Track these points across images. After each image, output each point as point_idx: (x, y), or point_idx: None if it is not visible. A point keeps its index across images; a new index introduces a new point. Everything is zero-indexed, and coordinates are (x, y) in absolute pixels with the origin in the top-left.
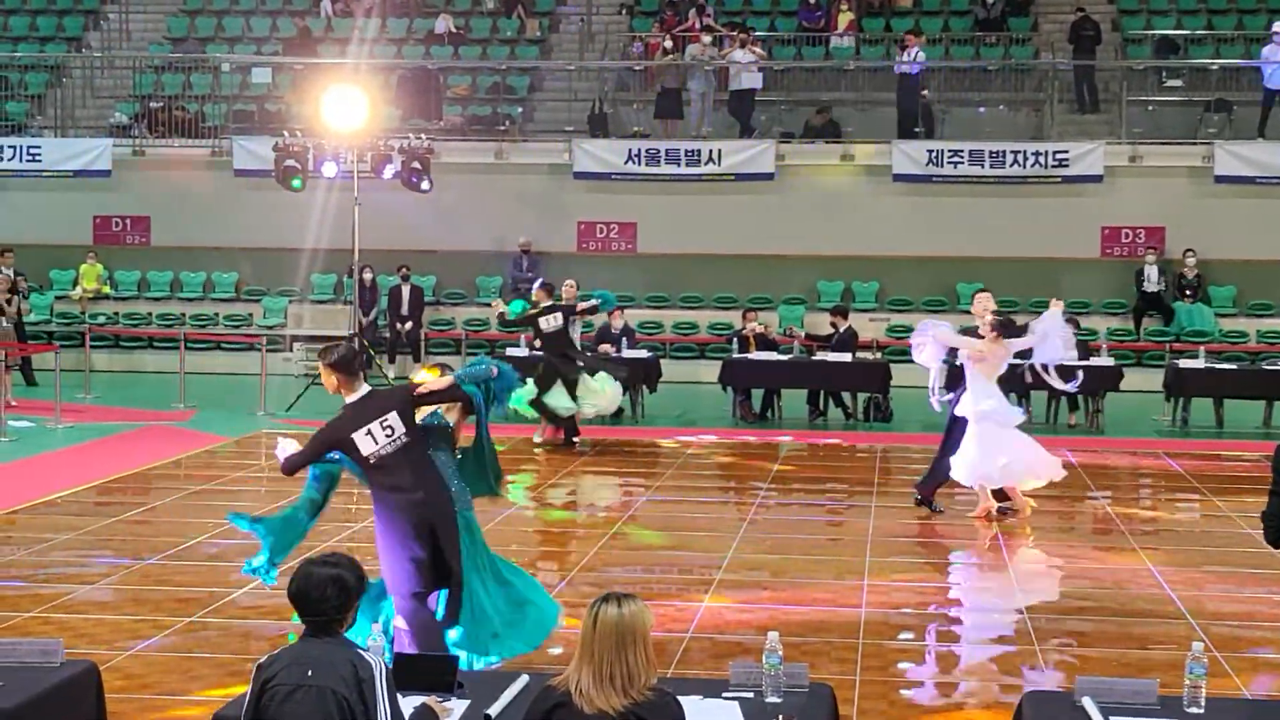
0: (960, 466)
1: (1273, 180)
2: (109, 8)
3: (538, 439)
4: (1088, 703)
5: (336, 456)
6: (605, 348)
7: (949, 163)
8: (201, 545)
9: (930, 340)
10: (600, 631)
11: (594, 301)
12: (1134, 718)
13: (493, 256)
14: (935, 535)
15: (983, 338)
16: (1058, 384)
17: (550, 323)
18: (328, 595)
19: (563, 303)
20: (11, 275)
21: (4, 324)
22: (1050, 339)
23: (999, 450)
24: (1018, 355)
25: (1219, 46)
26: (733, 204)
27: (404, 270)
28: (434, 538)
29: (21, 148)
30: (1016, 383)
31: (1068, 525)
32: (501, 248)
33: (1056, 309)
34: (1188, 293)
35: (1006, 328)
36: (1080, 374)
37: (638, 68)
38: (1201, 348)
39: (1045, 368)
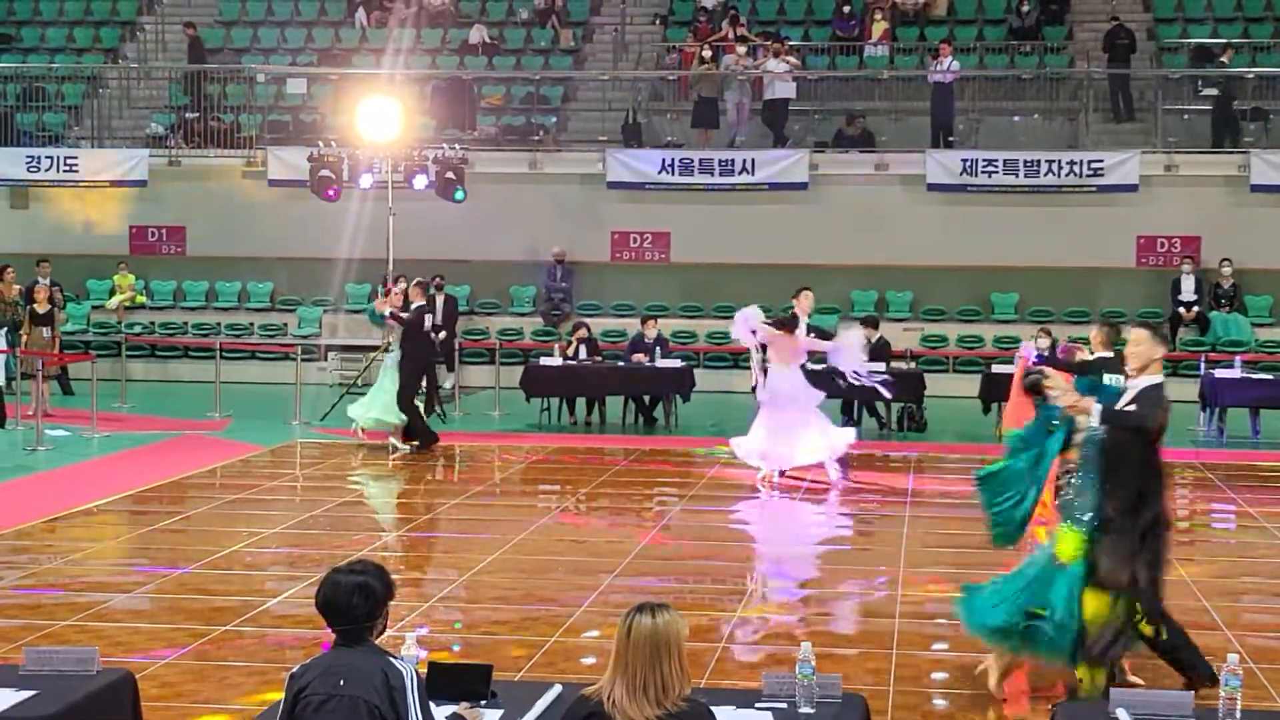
0: (743, 444)
1: None
2: (145, 19)
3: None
4: (1122, 714)
5: None
6: (638, 357)
7: (983, 172)
8: (237, 554)
9: (740, 319)
10: (634, 641)
11: None
12: None
13: (527, 266)
14: (968, 545)
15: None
16: (882, 390)
17: (428, 321)
18: (355, 604)
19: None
20: (49, 285)
21: (45, 334)
22: (844, 350)
23: (786, 432)
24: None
25: (1255, 55)
26: (766, 214)
27: (438, 280)
28: None
29: (59, 158)
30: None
31: None
32: (535, 257)
33: (854, 329)
34: (1223, 302)
35: (782, 325)
36: (888, 379)
37: (671, 78)
38: (1237, 357)
39: (857, 374)
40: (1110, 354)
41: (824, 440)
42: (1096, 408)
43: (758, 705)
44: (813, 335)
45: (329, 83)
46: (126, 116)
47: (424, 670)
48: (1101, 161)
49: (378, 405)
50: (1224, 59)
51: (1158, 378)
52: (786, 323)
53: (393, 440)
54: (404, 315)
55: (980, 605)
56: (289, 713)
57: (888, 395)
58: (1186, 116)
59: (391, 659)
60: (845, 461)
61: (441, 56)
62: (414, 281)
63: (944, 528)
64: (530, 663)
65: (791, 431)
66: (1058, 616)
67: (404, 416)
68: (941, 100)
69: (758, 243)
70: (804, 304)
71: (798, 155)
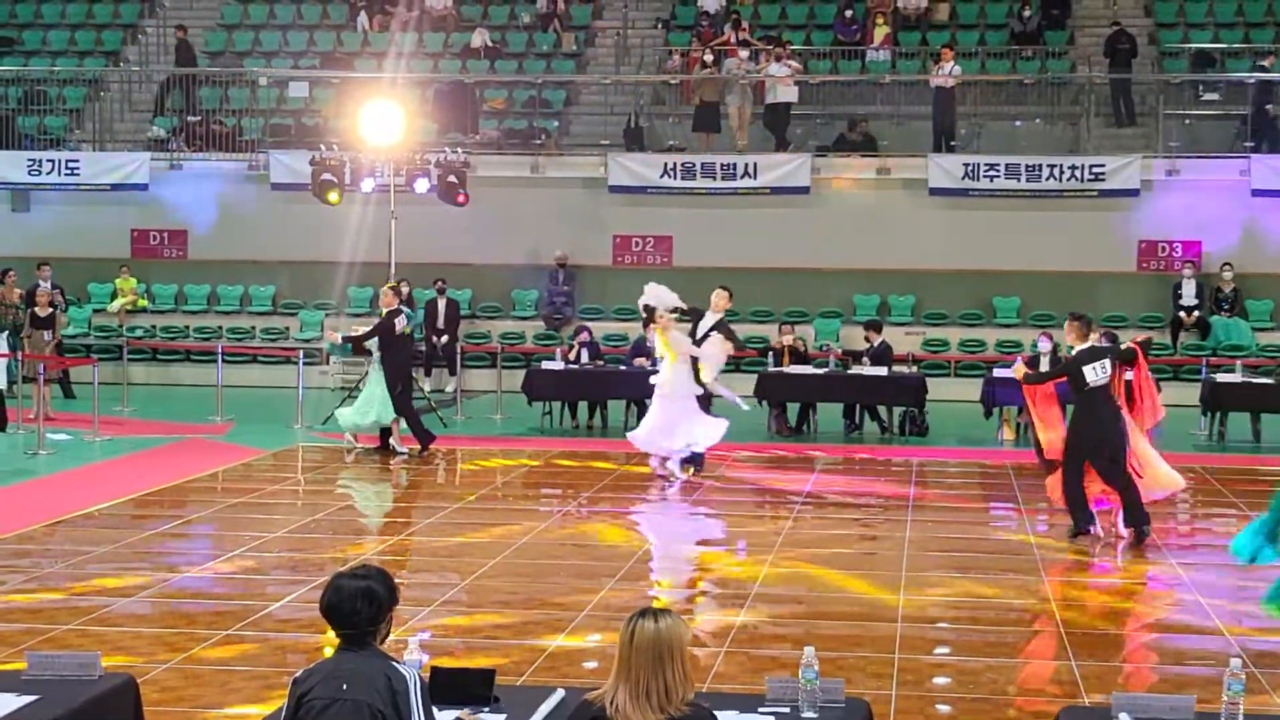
0: (639, 431)
1: None
2: (147, 22)
3: (354, 445)
4: (1124, 718)
5: None
6: (640, 361)
7: (985, 176)
8: (238, 558)
9: (650, 294)
10: (637, 646)
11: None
12: None
13: (529, 270)
14: (971, 549)
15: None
16: (730, 396)
17: (400, 323)
18: (359, 608)
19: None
20: (50, 288)
21: (46, 337)
22: (701, 359)
23: (669, 421)
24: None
25: (1256, 60)
26: (768, 218)
27: (440, 283)
28: None
29: (60, 161)
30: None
31: (1104, 540)
32: (537, 261)
33: (716, 340)
34: (1224, 307)
35: (648, 314)
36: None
37: (673, 82)
38: (1238, 361)
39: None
40: (1088, 345)
41: (697, 432)
42: None
43: (761, 710)
44: (713, 334)
45: (331, 86)
46: (128, 120)
47: (426, 675)
48: (1103, 166)
49: (362, 408)
50: (1265, 64)
51: None
52: (649, 313)
53: (393, 443)
54: (356, 335)
55: None
56: (292, 717)
57: (742, 405)
58: (1188, 121)
59: (395, 663)
60: (700, 461)
61: (444, 60)
62: (386, 286)
63: (946, 532)
64: (533, 667)
65: (672, 424)
66: None
67: (392, 417)
68: (943, 104)
69: (760, 247)
70: (713, 302)
71: (800, 159)
